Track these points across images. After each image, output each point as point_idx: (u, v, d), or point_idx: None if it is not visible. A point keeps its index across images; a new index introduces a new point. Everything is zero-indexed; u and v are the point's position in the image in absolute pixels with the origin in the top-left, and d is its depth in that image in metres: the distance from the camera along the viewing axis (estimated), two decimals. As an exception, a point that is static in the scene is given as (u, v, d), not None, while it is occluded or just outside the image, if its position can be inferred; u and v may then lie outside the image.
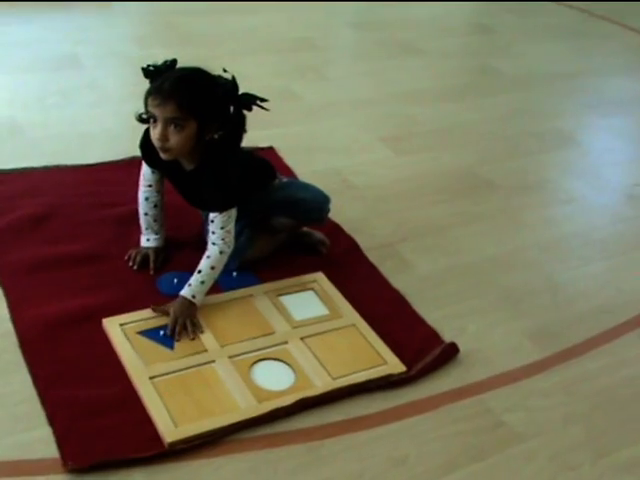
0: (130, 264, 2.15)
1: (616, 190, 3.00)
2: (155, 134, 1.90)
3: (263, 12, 4.22)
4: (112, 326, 1.92)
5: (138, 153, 2.60)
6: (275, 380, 1.85)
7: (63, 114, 2.90)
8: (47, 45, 3.47)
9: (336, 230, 2.40)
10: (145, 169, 2.15)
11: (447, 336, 2.06)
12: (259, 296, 2.09)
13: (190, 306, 1.98)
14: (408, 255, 2.39)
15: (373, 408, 1.84)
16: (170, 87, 1.87)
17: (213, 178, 1.98)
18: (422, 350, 2.00)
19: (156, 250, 2.17)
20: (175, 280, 2.11)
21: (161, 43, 3.64)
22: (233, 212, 2.01)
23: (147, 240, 2.18)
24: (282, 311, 2.05)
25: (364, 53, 3.94)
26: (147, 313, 1.98)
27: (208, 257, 2.01)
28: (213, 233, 2.01)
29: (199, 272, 2.00)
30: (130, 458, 1.60)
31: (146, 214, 2.17)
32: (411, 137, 3.14)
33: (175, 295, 2.00)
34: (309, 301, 2.11)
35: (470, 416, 1.85)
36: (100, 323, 1.93)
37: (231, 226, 2.02)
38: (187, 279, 2.00)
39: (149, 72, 1.94)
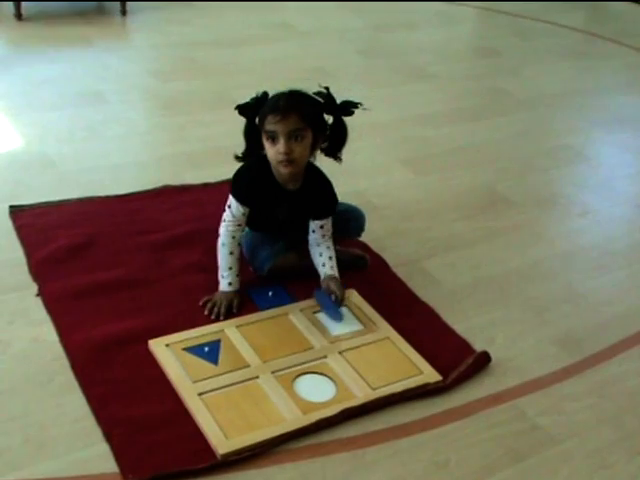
0: (213, 316, 2.13)
1: (628, 202, 3.09)
2: (279, 149, 2.02)
3: (276, 44, 4.36)
4: (158, 346, 2.00)
5: (167, 182, 2.75)
6: (317, 392, 1.92)
7: (92, 147, 3.01)
8: (72, 83, 3.59)
9: (364, 249, 2.48)
10: (235, 210, 2.16)
11: (477, 346, 2.14)
12: (295, 314, 2.17)
13: (339, 281, 2.20)
14: (434, 270, 2.47)
15: (412, 416, 1.91)
16: (287, 103, 2.03)
17: (323, 187, 2.22)
18: (455, 360, 2.07)
19: (238, 293, 2.19)
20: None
21: (180, 76, 3.76)
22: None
23: (229, 284, 2.18)
24: (319, 327, 2.13)
25: (376, 79, 4.05)
26: (189, 333, 2.06)
27: (328, 247, 2.24)
28: (323, 237, 2.24)
29: (329, 258, 2.23)
30: (185, 470, 1.68)
31: (231, 253, 2.18)
32: (428, 158, 3.24)
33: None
34: (344, 317, 2.19)
35: (506, 421, 1.92)
36: (145, 344, 2.01)
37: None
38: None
39: (246, 107, 2.09)
